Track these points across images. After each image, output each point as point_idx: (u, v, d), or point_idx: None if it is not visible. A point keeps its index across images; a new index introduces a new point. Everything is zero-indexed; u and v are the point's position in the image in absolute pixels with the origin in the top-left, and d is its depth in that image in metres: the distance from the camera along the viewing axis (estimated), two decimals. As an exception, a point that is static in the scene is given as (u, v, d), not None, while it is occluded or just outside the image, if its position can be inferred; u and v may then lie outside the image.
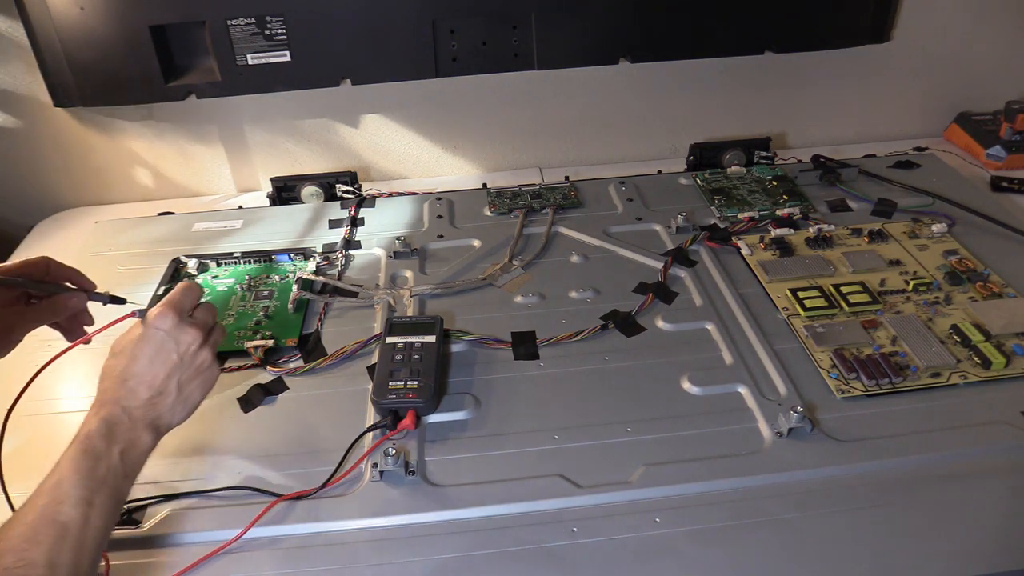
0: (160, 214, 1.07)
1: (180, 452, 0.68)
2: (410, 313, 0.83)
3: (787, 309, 0.81)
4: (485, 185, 1.10)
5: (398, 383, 0.70)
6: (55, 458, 0.64)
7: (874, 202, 0.99)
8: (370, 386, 0.73)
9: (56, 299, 0.62)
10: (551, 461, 0.66)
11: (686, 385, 0.73)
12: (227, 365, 0.78)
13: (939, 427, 0.67)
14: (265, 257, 0.93)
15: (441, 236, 0.98)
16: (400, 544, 0.59)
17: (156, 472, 0.66)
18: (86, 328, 0.65)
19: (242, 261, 0.93)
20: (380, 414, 0.70)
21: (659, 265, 0.89)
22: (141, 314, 0.56)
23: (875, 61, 1.18)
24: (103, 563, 0.56)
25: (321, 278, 0.88)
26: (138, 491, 0.64)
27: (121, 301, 0.64)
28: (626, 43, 1.10)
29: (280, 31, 1.02)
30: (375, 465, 0.64)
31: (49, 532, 0.47)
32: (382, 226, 1.00)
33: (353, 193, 1.07)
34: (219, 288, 0.89)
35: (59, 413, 0.73)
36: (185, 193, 1.19)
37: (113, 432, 0.52)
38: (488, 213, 1.02)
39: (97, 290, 0.64)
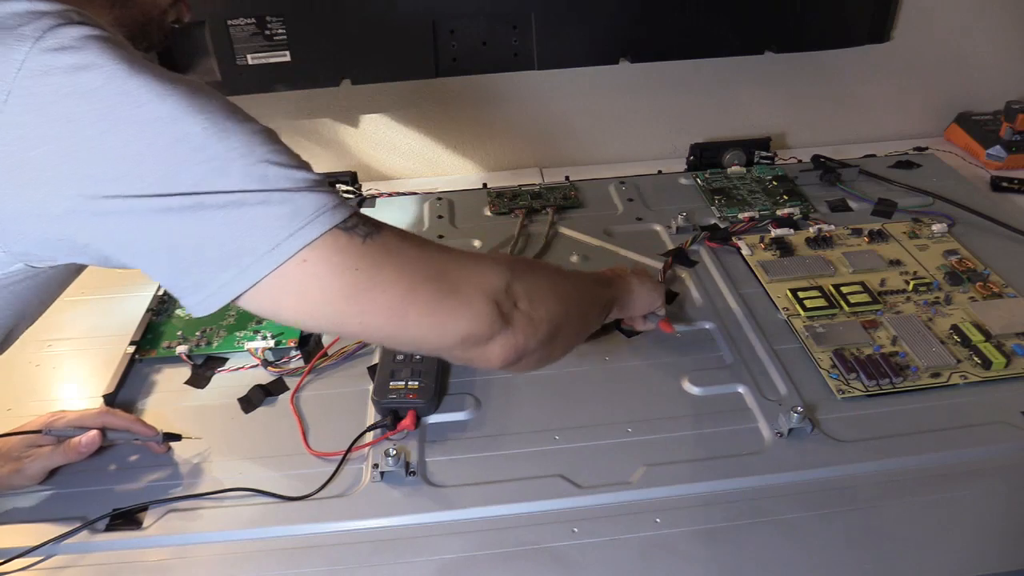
0: (160, 214, 1.07)
1: (181, 452, 0.68)
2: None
3: (787, 309, 0.81)
4: (485, 185, 1.10)
5: (399, 383, 0.70)
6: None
7: (874, 202, 0.99)
8: (370, 386, 0.73)
9: (68, 443, 0.65)
10: (551, 461, 0.66)
11: (686, 385, 0.73)
12: (227, 366, 0.78)
13: (939, 427, 0.67)
14: (265, 257, 0.93)
15: (441, 236, 0.98)
16: (400, 544, 0.59)
17: (157, 472, 0.66)
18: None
19: (242, 261, 0.93)
20: (380, 414, 0.70)
21: (659, 265, 0.89)
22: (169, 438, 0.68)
23: (875, 61, 1.18)
24: None
25: (321, 278, 0.88)
26: (139, 491, 0.64)
27: (176, 437, 0.68)
28: (626, 43, 1.10)
29: (280, 31, 1.02)
30: (376, 466, 0.64)
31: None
32: (382, 226, 1.00)
33: (353, 193, 1.07)
34: (219, 288, 0.89)
35: (59, 413, 0.73)
36: (185, 193, 1.18)
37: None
38: (488, 213, 1.02)
39: (152, 434, 0.67)
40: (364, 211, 0.54)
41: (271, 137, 0.47)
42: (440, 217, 1.01)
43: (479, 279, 0.51)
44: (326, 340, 0.80)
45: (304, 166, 0.47)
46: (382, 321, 0.48)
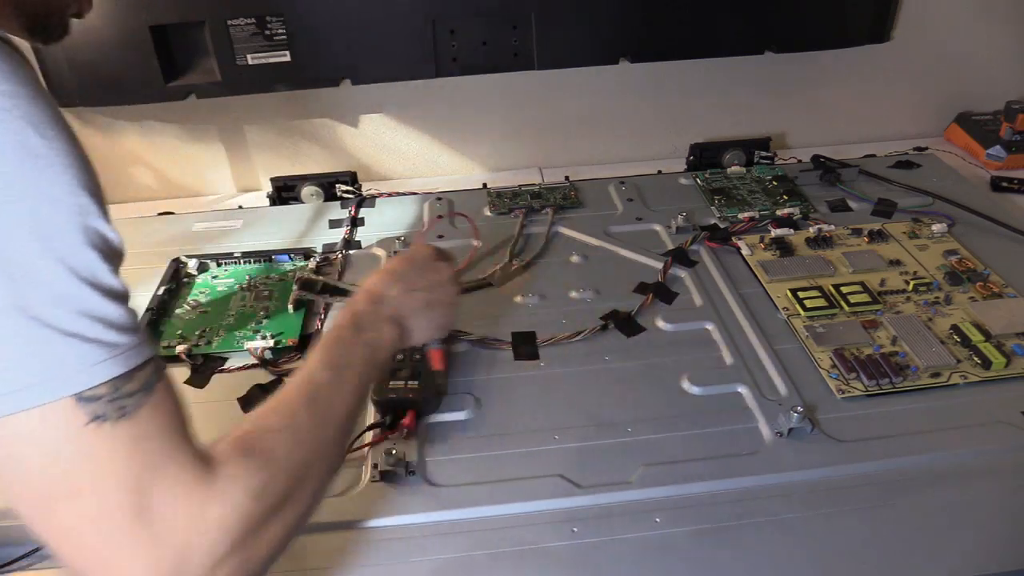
0: (160, 214, 1.07)
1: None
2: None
3: (787, 309, 0.81)
4: (485, 185, 1.10)
5: (399, 382, 0.70)
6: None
7: (874, 202, 0.99)
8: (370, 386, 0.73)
9: None
10: (551, 461, 0.66)
11: (686, 385, 0.73)
12: (227, 366, 0.78)
13: (939, 427, 0.67)
14: (265, 257, 0.93)
15: (441, 236, 0.98)
16: (400, 544, 0.59)
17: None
18: None
19: (242, 261, 0.93)
20: (380, 413, 0.69)
21: (659, 265, 0.89)
22: None
23: (875, 61, 1.18)
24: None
25: (321, 278, 0.88)
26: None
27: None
28: (626, 43, 1.10)
29: (280, 31, 1.02)
30: (375, 465, 0.64)
31: (294, 397, 0.49)
32: (382, 226, 1.00)
33: (353, 193, 1.07)
34: (219, 288, 0.89)
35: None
36: (185, 193, 1.19)
37: (360, 323, 0.57)
38: (488, 213, 1.02)
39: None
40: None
41: (86, 237, 0.37)
42: (440, 217, 1.01)
43: (186, 524, 0.38)
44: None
45: (107, 292, 0.38)
46: (54, 538, 0.38)
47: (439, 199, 1.05)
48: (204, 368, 0.77)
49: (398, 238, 0.94)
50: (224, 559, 0.39)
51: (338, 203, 1.06)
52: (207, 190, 1.19)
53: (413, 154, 1.20)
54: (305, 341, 0.80)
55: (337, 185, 1.07)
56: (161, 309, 0.85)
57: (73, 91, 1.03)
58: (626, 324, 0.81)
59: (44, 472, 0.37)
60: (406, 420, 0.67)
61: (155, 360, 0.40)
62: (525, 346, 0.78)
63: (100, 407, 0.37)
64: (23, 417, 0.36)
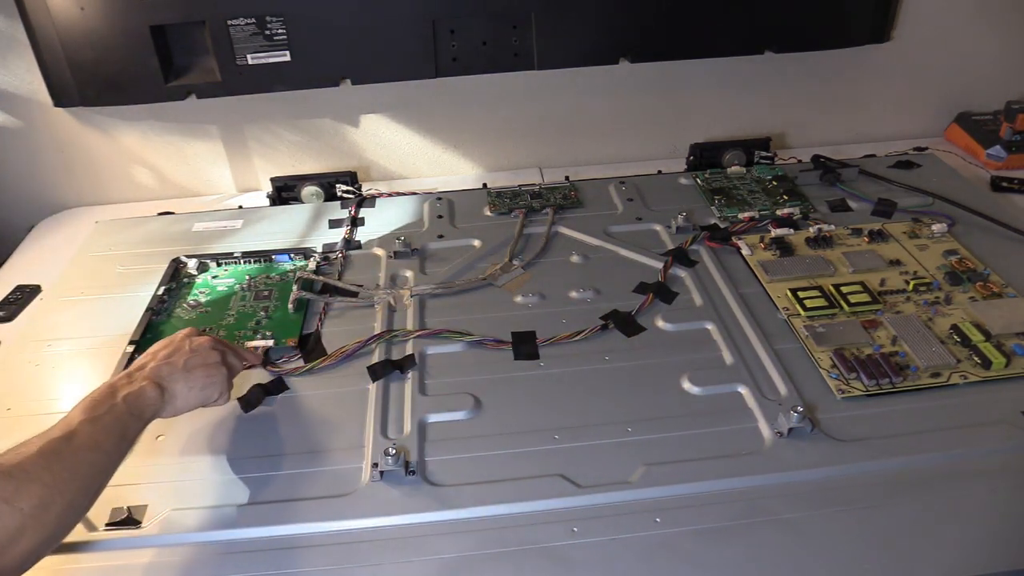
0: (160, 214, 1.07)
1: (181, 451, 0.68)
2: (410, 314, 0.83)
3: (787, 309, 0.81)
4: (485, 185, 1.10)
5: None
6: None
7: (874, 202, 0.99)
8: (371, 386, 0.73)
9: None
10: (551, 461, 0.66)
11: (686, 385, 0.73)
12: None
13: (939, 427, 0.67)
14: (265, 257, 0.94)
15: (441, 236, 0.98)
16: (400, 544, 0.59)
17: (157, 472, 0.66)
18: None
19: (242, 261, 0.93)
20: None
21: (659, 265, 0.89)
22: None
23: (875, 61, 1.18)
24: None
25: (321, 278, 0.88)
26: (139, 491, 0.64)
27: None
28: (626, 43, 1.10)
29: (280, 31, 1.02)
30: (375, 465, 0.64)
31: (52, 435, 0.53)
32: (382, 226, 1.00)
33: (353, 193, 1.07)
34: (219, 288, 0.89)
35: (59, 413, 0.73)
36: (185, 193, 1.19)
37: (115, 388, 0.59)
38: (488, 213, 1.02)
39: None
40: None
41: None
42: (440, 217, 1.01)
43: None
44: (327, 341, 0.80)
45: None
46: None
47: (439, 199, 1.05)
48: (204, 368, 0.77)
49: (398, 238, 0.94)
50: None
51: (338, 203, 1.06)
52: (207, 190, 1.19)
53: (413, 154, 1.20)
54: (305, 341, 0.80)
55: (337, 185, 1.07)
56: (161, 309, 0.85)
57: (73, 91, 1.03)
58: (626, 324, 0.81)
59: None
60: None
61: None
62: (525, 346, 0.78)
63: None
64: None
